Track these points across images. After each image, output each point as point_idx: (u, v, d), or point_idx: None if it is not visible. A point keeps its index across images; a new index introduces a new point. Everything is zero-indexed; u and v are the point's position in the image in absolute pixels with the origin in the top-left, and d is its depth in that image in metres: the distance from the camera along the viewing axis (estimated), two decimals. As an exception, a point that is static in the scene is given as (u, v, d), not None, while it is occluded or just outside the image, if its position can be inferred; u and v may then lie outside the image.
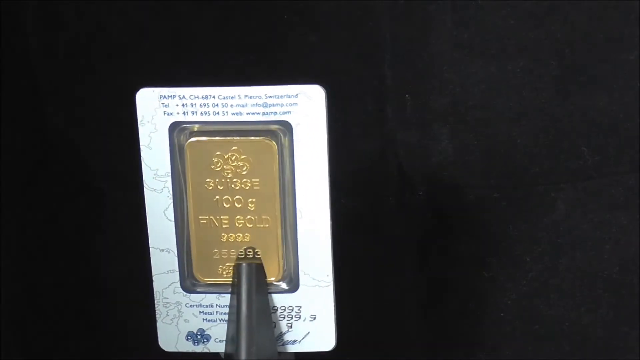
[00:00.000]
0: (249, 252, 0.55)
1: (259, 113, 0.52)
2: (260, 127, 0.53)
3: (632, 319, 0.68)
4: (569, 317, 0.69)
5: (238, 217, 0.54)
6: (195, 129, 0.54)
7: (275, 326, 0.55)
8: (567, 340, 0.70)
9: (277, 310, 0.55)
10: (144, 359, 0.75)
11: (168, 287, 0.57)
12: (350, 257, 0.72)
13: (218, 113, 0.53)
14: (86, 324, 0.81)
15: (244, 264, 0.54)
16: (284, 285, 0.55)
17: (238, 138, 0.53)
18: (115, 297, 0.80)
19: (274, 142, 0.53)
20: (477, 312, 0.71)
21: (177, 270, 0.57)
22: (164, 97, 0.54)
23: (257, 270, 0.54)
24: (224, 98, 0.53)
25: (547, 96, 0.67)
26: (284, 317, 0.55)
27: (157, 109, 0.54)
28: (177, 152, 0.54)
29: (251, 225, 0.54)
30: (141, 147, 0.55)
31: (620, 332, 0.69)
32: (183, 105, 0.54)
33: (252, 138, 0.53)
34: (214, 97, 0.53)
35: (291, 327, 0.55)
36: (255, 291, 0.54)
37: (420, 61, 0.69)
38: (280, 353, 0.56)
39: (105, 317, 0.80)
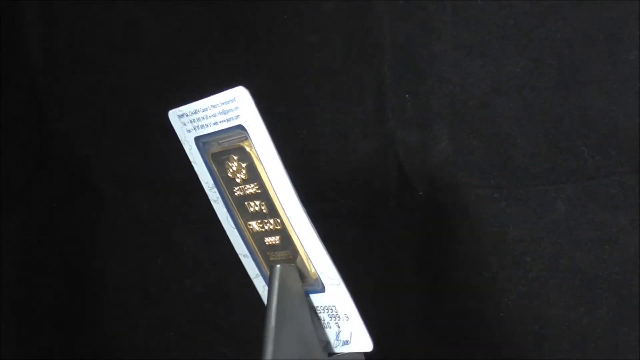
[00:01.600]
0: (282, 255, 0.55)
1: (224, 120, 0.53)
2: (240, 132, 0.53)
3: (632, 319, 0.68)
4: (569, 317, 0.69)
5: (265, 220, 0.55)
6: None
7: (330, 327, 0.55)
8: (567, 340, 0.70)
9: (323, 310, 0.55)
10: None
11: (264, 291, 0.58)
12: (350, 257, 0.72)
13: (208, 125, 0.54)
14: (86, 324, 0.81)
15: (277, 266, 0.54)
16: (317, 286, 0.55)
17: (231, 146, 0.54)
18: (116, 297, 0.80)
19: (253, 146, 0.53)
20: (477, 312, 0.71)
21: (260, 274, 0.57)
22: (179, 116, 0.55)
23: (287, 272, 0.54)
24: (203, 110, 0.54)
25: (547, 96, 0.67)
26: (332, 318, 0.55)
27: (182, 128, 0.56)
28: (209, 164, 0.56)
29: (272, 228, 0.55)
30: (192, 164, 0.57)
31: (620, 332, 0.69)
32: (191, 121, 0.55)
33: (239, 144, 0.53)
34: (197, 111, 0.54)
35: (339, 327, 0.55)
36: (282, 292, 0.53)
37: (420, 61, 0.69)
38: (332, 354, 0.55)
39: (105, 317, 0.80)
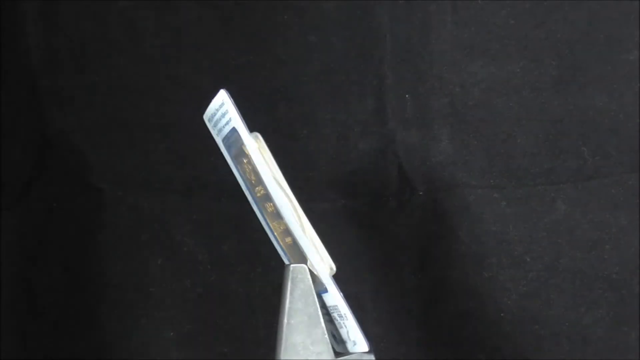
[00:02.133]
0: (298, 254, 0.55)
1: (226, 124, 0.53)
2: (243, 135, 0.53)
3: (632, 319, 0.68)
4: (569, 317, 0.69)
5: (279, 220, 0.55)
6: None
7: (342, 327, 0.55)
8: (567, 340, 0.70)
9: (333, 309, 0.55)
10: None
11: None
12: (350, 257, 0.72)
13: (221, 128, 0.55)
14: (86, 324, 0.81)
15: (289, 266, 0.54)
16: (323, 286, 0.55)
17: (242, 148, 0.54)
18: (116, 297, 0.80)
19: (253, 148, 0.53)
20: (477, 312, 0.71)
21: None
22: (208, 120, 0.56)
23: (298, 271, 0.54)
24: (213, 114, 0.54)
25: (547, 96, 0.67)
26: (340, 317, 0.55)
27: (213, 131, 0.56)
28: (237, 166, 0.56)
29: (285, 228, 0.55)
30: (230, 166, 0.56)
31: (620, 332, 0.69)
32: (214, 125, 0.55)
33: (244, 147, 0.53)
34: (213, 115, 0.54)
35: (346, 327, 0.55)
36: (294, 291, 0.53)
37: (420, 61, 0.69)
38: (350, 354, 0.55)
39: (105, 317, 0.80)
